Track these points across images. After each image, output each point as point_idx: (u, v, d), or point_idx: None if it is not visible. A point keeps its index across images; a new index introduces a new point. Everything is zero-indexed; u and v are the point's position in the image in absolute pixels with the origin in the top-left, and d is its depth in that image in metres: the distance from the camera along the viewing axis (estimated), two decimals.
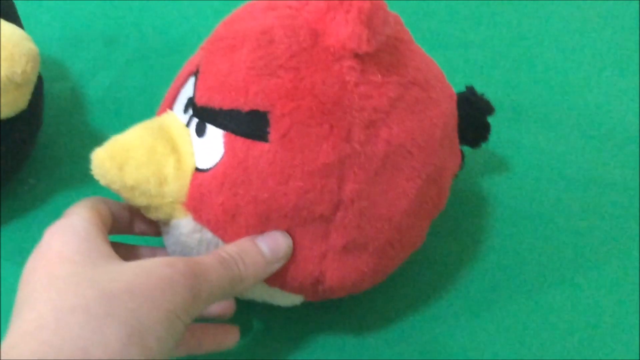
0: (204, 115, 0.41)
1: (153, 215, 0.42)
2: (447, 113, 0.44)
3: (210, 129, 0.40)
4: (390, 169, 0.40)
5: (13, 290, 0.35)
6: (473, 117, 0.52)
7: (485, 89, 0.52)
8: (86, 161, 0.57)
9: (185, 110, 0.43)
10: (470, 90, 0.53)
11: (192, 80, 0.43)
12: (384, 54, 0.41)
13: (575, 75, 0.68)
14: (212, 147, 0.40)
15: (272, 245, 0.40)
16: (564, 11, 0.75)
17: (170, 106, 0.45)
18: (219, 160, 0.40)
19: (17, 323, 0.33)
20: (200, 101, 0.41)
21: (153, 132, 0.41)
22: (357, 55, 0.39)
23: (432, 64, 0.46)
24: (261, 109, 0.39)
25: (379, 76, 0.40)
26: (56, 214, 0.54)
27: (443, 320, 0.49)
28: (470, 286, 0.51)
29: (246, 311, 0.48)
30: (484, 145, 0.54)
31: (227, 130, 0.40)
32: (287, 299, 0.44)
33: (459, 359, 0.47)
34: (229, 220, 0.40)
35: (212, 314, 0.45)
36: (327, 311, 0.49)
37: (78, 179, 0.57)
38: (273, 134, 0.38)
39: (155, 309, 0.34)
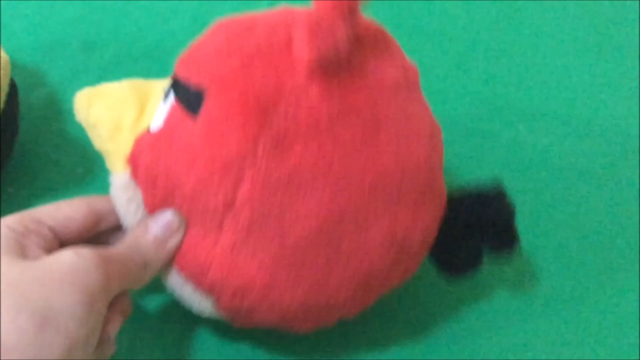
0: (173, 83, 0.42)
1: (107, 163, 0.44)
2: (395, 168, 0.40)
3: (170, 96, 0.42)
4: (293, 188, 0.38)
5: None
6: (484, 222, 0.45)
7: (478, 85, 0.51)
8: (65, 168, 0.58)
9: None
10: (498, 186, 0.46)
11: None
12: (343, 76, 0.39)
13: (571, 70, 0.68)
14: (163, 112, 0.42)
15: (162, 223, 0.40)
16: (558, 5, 0.75)
17: None
18: (159, 126, 0.41)
19: None
20: (175, 69, 0.43)
21: (134, 87, 0.44)
22: (310, 65, 0.38)
23: (418, 121, 0.42)
24: (203, 86, 0.39)
25: (317, 93, 0.38)
26: None
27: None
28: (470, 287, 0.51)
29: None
30: (477, 145, 0.52)
31: (177, 98, 0.41)
32: (196, 299, 0.43)
33: None
34: (150, 185, 0.41)
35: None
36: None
37: (57, 186, 0.56)
38: (201, 113, 0.39)
39: (67, 292, 0.35)
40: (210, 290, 0.41)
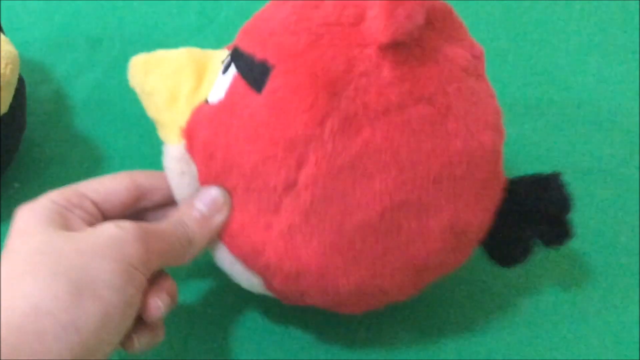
0: (234, 54, 0.41)
1: (160, 133, 0.43)
2: (462, 157, 0.39)
3: (232, 68, 0.41)
4: (358, 172, 0.37)
5: None
6: (541, 209, 0.43)
7: None
8: (71, 163, 0.58)
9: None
10: (555, 176, 0.44)
11: None
12: (414, 60, 0.38)
13: (575, 68, 0.68)
14: (223, 84, 0.41)
15: (206, 200, 0.40)
16: (562, 3, 0.75)
17: None
18: (220, 99, 0.40)
19: None
20: (236, 41, 0.42)
21: (192, 56, 0.43)
22: (382, 47, 0.37)
23: (485, 106, 0.41)
24: (270, 61, 0.38)
25: (389, 76, 0.37)
26: None
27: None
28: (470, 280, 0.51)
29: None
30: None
31: (239, 72, 0.40)
32: (245, 276, 0.42)
33: None
34: (206, 160, 0.40)
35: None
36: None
37: (63, 181, 0.56)
38: (266, 89, 0.38)
39: (106, 262, 0.35)
40: (262, 272, 0.41)
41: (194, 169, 0.41)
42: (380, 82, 0.37)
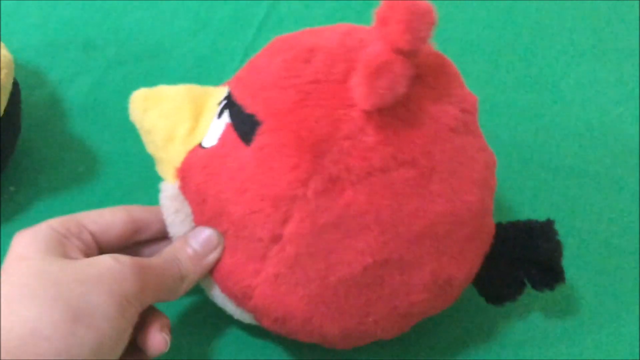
0: (228, 100, 0.42)
1: (157, 169, 0.44)
2: (445, 217, 0.39)
3: (225, 115, 0.42)
4: (341, 231, 0.38)
5: None
6: (531, 256, 0.44)
7: (477, 88, 0.51)
8: (66, 167, 0.58)
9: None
10: (548, 224, 0.44)
11: None
12: (399, 122, 0.38)
13: (569, 71, 0.68)
14: (218, 131, 0.41)
15: (200, 238, 0.41)
16: (556, 6, 0.75)
17: None
18: (212, 146, 0.41)
19: None
20: (232, 86, 0.43)
21: (191, 96, 0.44)
22: (366, 111, 0.38)
23: (473, 164, 0.41)
24: (258, 116, 0.39)
25: (372, 140, 0.38)
26: (37, 221, 0.54)
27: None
28: None
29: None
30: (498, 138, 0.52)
31: (231, 121, 0.41)
32: (237, 311, 0.43)
33: None
34: (200, 203, 0.41)
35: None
36: None
37: (58, 185, 0.57)
38: (254, 143, 0.39)
39: (104, 293, 0.36)
40: (252, 312, 0.42)
41: (187, 208, 0.42)
42: (363, 146, 0.38)
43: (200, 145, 0.42)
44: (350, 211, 0.38)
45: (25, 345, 0.33)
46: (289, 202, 0.38)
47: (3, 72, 0.49)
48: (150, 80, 0.64)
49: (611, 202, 0.57)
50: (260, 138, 0.39)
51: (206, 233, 0.41)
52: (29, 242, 0.38)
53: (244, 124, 0.40)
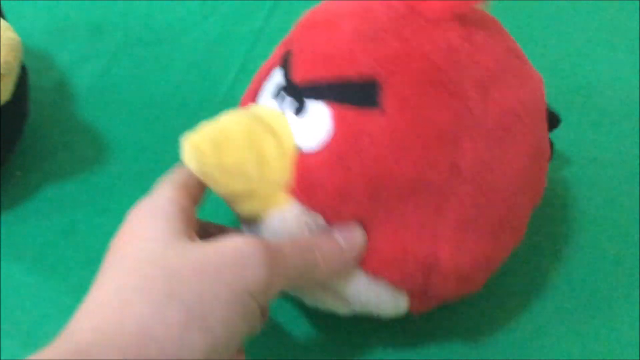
0: (304, 93, 0.39)
1: (246, 207, 0.39)
2: (542, 91, 0.44)
3: (311, 106, 0.38)
4: (503, 133, 0.39)
5: None
6: None
7: None
8: (74, 152, 0.58)
9: (275, 96, 0.41)
10: None
11: (278, 71, 0.42)
12: (480, 21, 0.40)
13: (578, 53, 0.67)
14: (315, 124, 0.38)
15: (347, 235, 0.38)
16: None
17: (253, 100, 0.43)
18: (328, 137, 0.38)
19: (86, 301, 0.33)
20: (299, 79, 0.39)
21: (248, 116, 0.39)
22: (456, 19, 0.39)
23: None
24: (372, 74, 0.37)
25: (483, 36, 0.39)
26: (44, 207, 0.54)
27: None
28: None
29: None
30: None
31: (334, 102, 0.38)
32: (393, 301, 0.41)
33: None
34: (339, 201, 0.38)
35: None
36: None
37: (66, 170, 0.56)
38: (387, 100, 0.37)
39: (222, 290, 0.33)
40: (438, 281, 0.39)
41: (318, 220, 0.38)
42: (480, 45, 0.39)
43: (300, 151, 0.38)
44: (504, 108, 0.39)
45: (135, 344, 0.31)
46: (456, 130, 0.37)
47: (11, 55, 0.49)
48: (158, 64, 0.65)
49: (612, 188, 0.57)
50: (392, 91, 0.37)
51: (352, 229, 0.38)
52: (148, 218, 0.36)
53: (357, 93, 0.37)
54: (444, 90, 0.37)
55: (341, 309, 0.42)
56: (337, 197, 0.38)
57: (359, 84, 0.37)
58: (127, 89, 0.62)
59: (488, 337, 0.48)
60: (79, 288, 0.35)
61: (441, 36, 0.38)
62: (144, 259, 0.34)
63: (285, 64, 0.41)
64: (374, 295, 0.40)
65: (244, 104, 0.44)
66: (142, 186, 0.43)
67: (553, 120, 0.49)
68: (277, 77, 0.42)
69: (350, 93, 0.37)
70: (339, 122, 0.37)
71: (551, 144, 0.47)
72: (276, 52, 0.45)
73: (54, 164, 0.57)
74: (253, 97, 0.43)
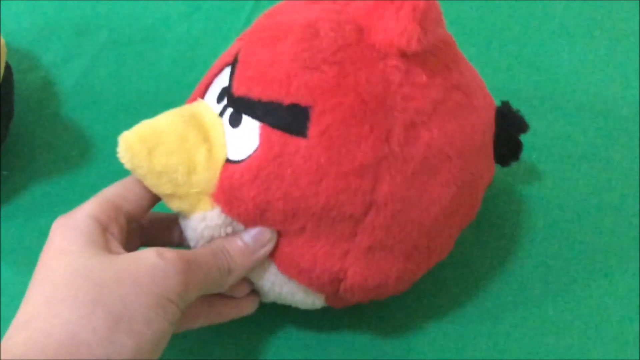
0: (240, 105, 0.40)
1: (175, 205, 0.41)
2: (487, 121, 0.44)
3: (246, 120, 0.40)
4: (427, 172, 0.40)
5: None
6: (505, 133, 0.49)
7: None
8: (60, 151, 0.58)
9: (219, 100, 0.42)
10: (506, 105, 0.51)
11: (228, 70, 0.42)
12: (429, 55, 0.40)
13: (560, 53, 0.68)
14: (246, 138, 0.39)
15: (253, 232, 0.40)
16: None
17: (202, 95, 0.44)
18: (253, 153, 0.39)
19: (17, 317, 0.35)
20: (237, 91, 0.40)
21: (185, 119, 0.40)
22: (402, 55, 0.39)
23: (474, 71, 0.45)
24: (302, 103, 0.38)
25: (424, 77, 0.39)
26: (31, 206, 0.54)
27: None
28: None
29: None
30: None
31: (264, 122, 0.39)
32: (308, 298, 0.43)
33: None
34: (259, 215, 0.39)
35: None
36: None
37: (52, 169, 0.57)
38: (312, 129, 0.38)
39: (143, 295, 0.35)
40: (344, 292, 0.42)
41: (237, 226, 0.41)
42: (419, 85, 0.39)
43: (229, 161, 0.40)
44: (432, 149, 0.40)
45: (65, 350, 0.32)
46: (376, 166, 0.38)
47: None
48: (143, 63, 0.65)
49: (601, 183, 0.57)
50: (318, 122, 0.38)
51: (258, 229, 0.40)
52: (69, 234, 0.37)
53: (287, 118, 0.38)
54: (367, 127, 0.38)
55: (262, 299, 0.45)
56: (255, 211, 0.39)
57: (291, 110, 0.38)
58: (112, 88, 0.62)
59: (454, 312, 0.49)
60: None
61: (381, 73, 0.39)
62: (68, 272, 0.35)
63: (233, 66, 0.42)
64: (288, 292, 0.43)
65: (193, 97, 0.45)
66: None
67: (521, 125, 0.51)
68: (224, 78, 0.42)
69: (281, 117, 0.38)
70: (265, 142, 0.39)
71: (519, 146, 0.51)
72: (234, 45, 0.45)
73: (39, 163, 0.57)
74: (203, 92, 0.44)
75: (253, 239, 0.40)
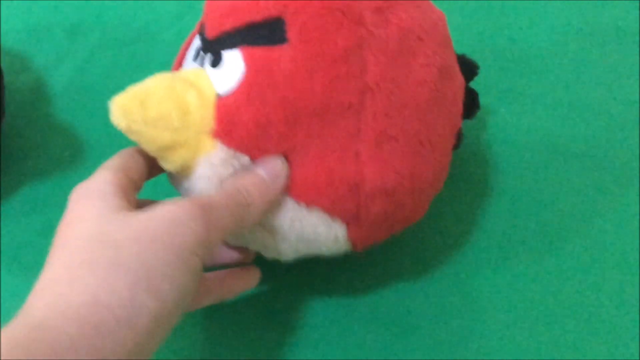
0: (218, 45, 0.42)
1: (177, 158, 0.41)
2: (444, 24, 0.46)
3: (226, 55, 0.41)
4: (405, 53, 0.41)
5: None
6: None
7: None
8: (51, 152, 0.58)
9: (195, 59, 0.43)
10: (461, 57, 0.50)
11: (197, 37, 0.45)
12: None
13: (553, 52, 0.68)
14: (231, 70, 0.41)
15: (267, 166, 0.40)
16: None
17: (178, 69, 0.46)
18: (242, 77, 0.40)
19: (37, 283, 0.35)
20: (212, 34, 0.42)
21: (169, 76, 0.41)
22: None
23: None
24: (274, 14, 0.40)
25: None
26: (22, 207, 0.54)
27: (444, 281, 0.50)
28: (473, 248, 0.52)
29: None
30: (484, 121, 0.54)
31: (244, 45, 0.40)
32: (330, 231, 0.43)
33: (457, 319, 0.48)
34: (260, 135, 0.40)
35: (232, 261, 0.46)
36: (329, 270, 0.49)
37: (44, 170, 0.57)
38: (290, 32, 0.40)
39: (162, 251, 0.35)
40: (369, 197, 0.41)
41: (242, 159, 0.41)
42: None
43: (219, 97, 0.40)
44: (404, 30, 0.41)
45: (88, 313, 0.32)
46: (358, 49, 0.40)
47: None
48: (135, 63, 0.65)
49: (594, 181, 0.57)
50: (294, 23, 0.40)
51: (271, 160, 0.40)
52: (86, 200, 0.37)
53: (263, 32, 0.40)
54: (343, 17, 0.40)
55: (284, 250, 0.44)
56: (257, 130, 0.40)
57: (267, 24, 0.40)
58: (104, 89, 0.62)
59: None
60: None
61: None
62: (86, 237, 0.35)
63: (201, 29, 0.44)
64: (309, 226, 0.42)
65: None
66: None
67: (472, 68, 0.52)
68: (196, 42, 0.44)
69: (259, 34, 0.40)
70: (249, 61, 0.40)
71: (474, 93, 0.52)
72: (198, 23, 0.47)
73: (31, 164, 0.57)
74: (178, 67, 0.46)
75: (268, 172, 0.40)
